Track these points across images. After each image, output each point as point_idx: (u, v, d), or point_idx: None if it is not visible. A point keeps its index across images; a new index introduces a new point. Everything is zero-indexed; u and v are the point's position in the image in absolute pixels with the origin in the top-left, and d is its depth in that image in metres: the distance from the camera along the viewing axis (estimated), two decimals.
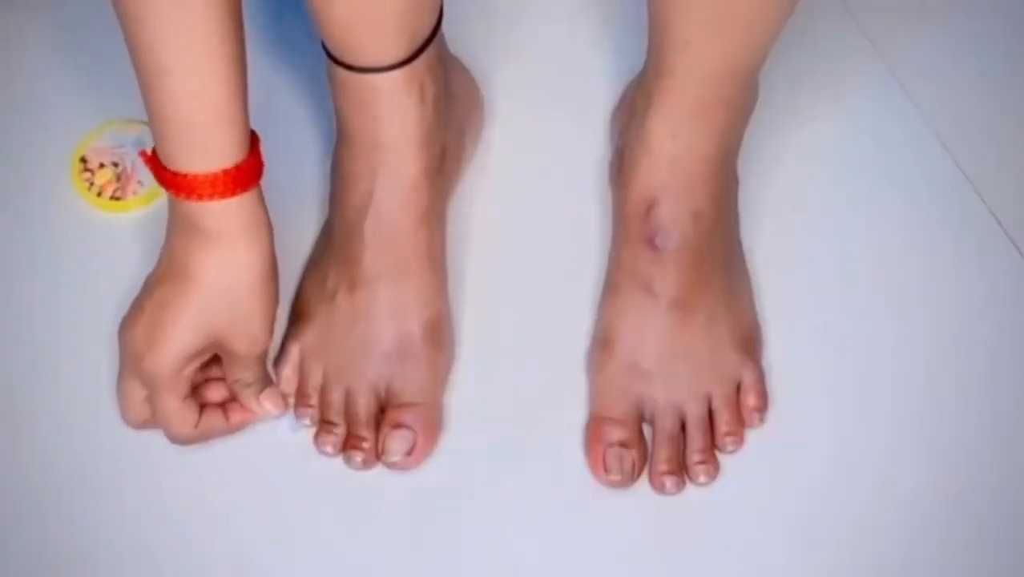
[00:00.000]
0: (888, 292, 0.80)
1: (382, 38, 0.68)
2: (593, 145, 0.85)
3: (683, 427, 0.74)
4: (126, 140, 0.84)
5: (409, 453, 0.73)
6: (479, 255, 0.81)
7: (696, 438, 0.73)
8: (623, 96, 0.85)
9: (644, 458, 0.74)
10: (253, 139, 0.66)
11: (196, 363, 0.67)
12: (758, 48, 0.69)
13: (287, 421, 0.74)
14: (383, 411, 0.74)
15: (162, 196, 0.82)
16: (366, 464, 0.73)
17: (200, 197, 0.63)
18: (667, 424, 0.73)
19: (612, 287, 0.76)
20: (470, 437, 0.75)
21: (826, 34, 0.91)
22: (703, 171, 0.73)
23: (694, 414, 0.74)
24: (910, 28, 0.92)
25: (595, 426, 0.74)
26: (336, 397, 0.74)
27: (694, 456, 0.73)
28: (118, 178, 0.83)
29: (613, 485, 0.73)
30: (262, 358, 0.70)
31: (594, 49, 0.90)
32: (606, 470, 0.73)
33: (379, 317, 0.74)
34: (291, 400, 0.74)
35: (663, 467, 0.73)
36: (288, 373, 0.75)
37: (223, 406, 0.72)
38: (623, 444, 0.73)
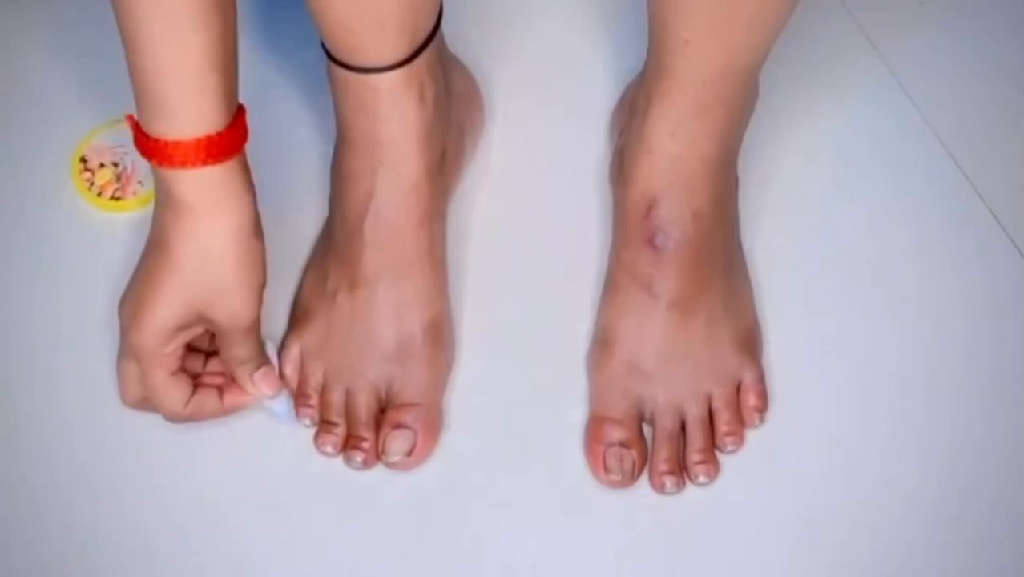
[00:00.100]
0: (888, 292, 0.80)
1: (382, 38, 0.68)
2: (593, 145, 0.85)
3: (683, 427, 0.74)
4: (126, 140, 0.84)
5: (409, 453, 0.73)
6: (479, 255, 0.81)
7: (696, 438, 0.73)
8: (623, 96, 0.85)
9: (644, 458, 0.74)
10: (239, 111, 0.65)
11: (182, 337, 0.67)
12: (758, 48, 0.69)
13: (281, 407, 0.73)
14: (383, 411, 0.74)
15: None
16: (366, 464, 0.73)
17: (173, 164, 0.63)
18: (667, 424, 0.74)
19: (612, 287, 0.76)
20: (470, 437, 0.75)
21: (826, 34, 0.91)
22: (703, 171, 0.73)
23: (694, 414, 0.74)
24: (910, 28, 0.92)
25: (595, 426, 0.74)
26: (336, 397, 0.74)
27: (694, 456, 0.73)
28: (118, 178, 0.83)
29: (613, 485, 0.73)
30: (253, 335, 0.69)
31: (594, 49, 0.90)
32: (606, 470, 0.73)
33: (379, 317, 0.74)
34: (289, 387, 0.74)
35: (663, 467, 0.73)
36: (288, 373, 0.75)
37: (220, 390, 0.71)
38: (623, 444, 0.73)
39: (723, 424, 0.74)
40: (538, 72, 0.89)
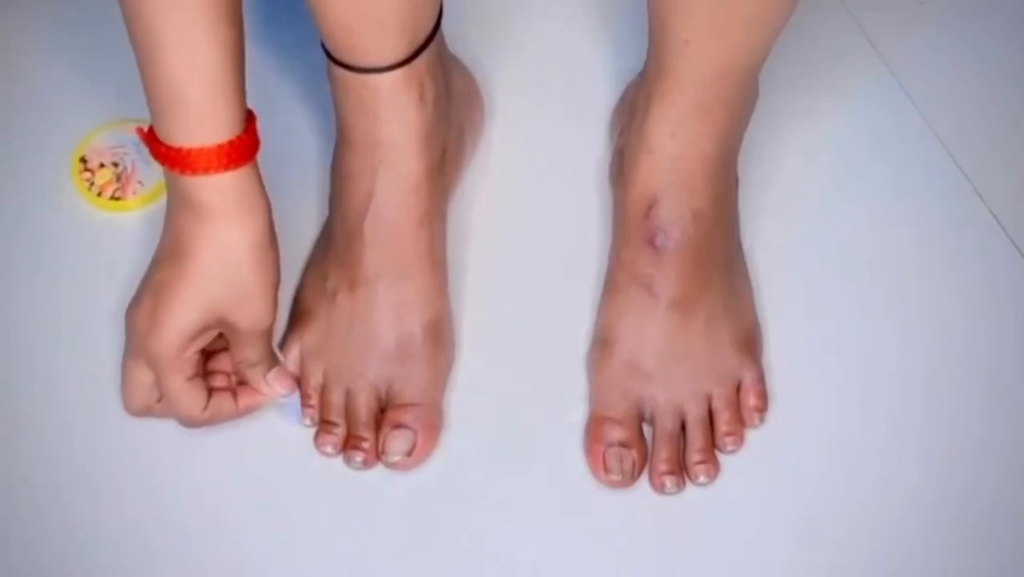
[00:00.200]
0: (888, 292, 0.80)
1: (382, 38, 0.68)
2: (593, 145, 0.85)
3: (683, 427, 0.74)
4: (126, 140, 0.84)
5: (409, 453, 0.73)
6: (479, 255, 0.81)
7: (696, 438, 0.73)
8: (623, 96, 0.85)
9: (644, 458, 0.74)
10: (250, 116, 0.66)
11: (200, 342, 0.67)
12: (758, 48, 0.69)
13: (294, 406, 0.74)
14: (383, 411, 0.74)
15: (162, 196, 0.82)
16: (366, 464, 0.73)
17: (195, 171, 0.63)
18: (667, 424, 0.74)
19: (612, 287, 0.76)
20: (470, 437, 0.75)
21: (826, 34, 0.91)
22: (703, 171, 0.73)
23: (694, 414, 0.74)
24: (910, 28, 0.92)
25: (595, 426, 0.74)
26: (336, 397, 0.74)
27: (694, 456, 0.73)
28: (118, 178, 0.83)
29: (613, 485, 0.73)
30: (266, 337, 0.69)
31: (594, 49, 0.90)
32: (606, 470, 0.73)
33: (379, 317, 0.74)
34: (297, 384, 0.74)
35: (663, 467, 0.73)
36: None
37: (232, 392, 0.71)
38: (623, 444, 0.73)
39: (723, 424, 0.74)
40: (538, 72, 0.89)
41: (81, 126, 0.85)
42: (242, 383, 0.71)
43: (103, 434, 0.74)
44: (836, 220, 0.83)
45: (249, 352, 0.69)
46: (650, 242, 0.74)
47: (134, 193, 0.83)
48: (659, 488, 0.73)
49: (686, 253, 0.73)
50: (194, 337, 0.66)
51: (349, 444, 0.73)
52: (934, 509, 0.73)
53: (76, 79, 0.88)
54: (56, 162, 0.84)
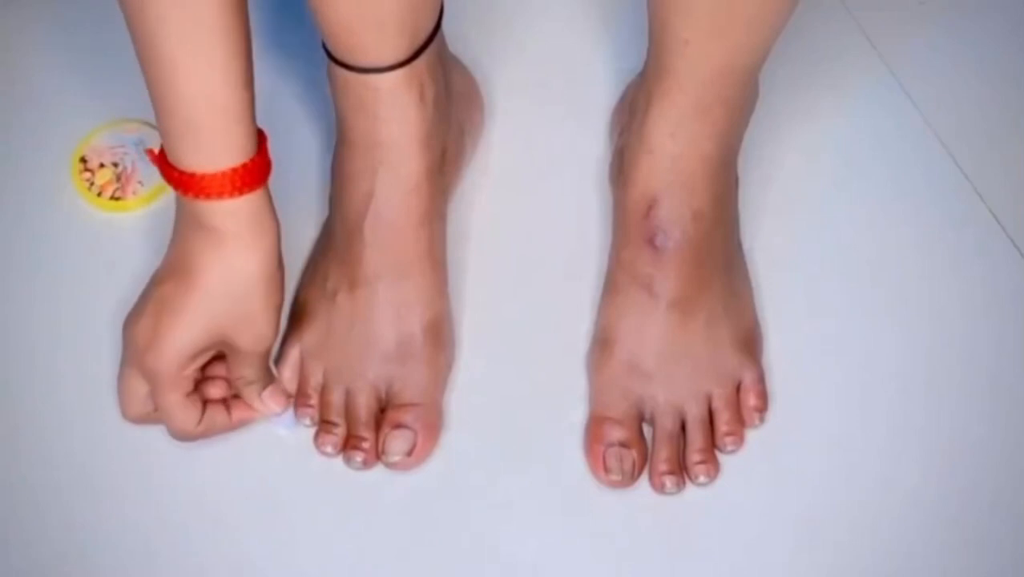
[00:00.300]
0: (888, 292, 0.80)
1: (382, 38, 0.68)
2: (593, 145, 0.85)
3: (683, 427, 0.74)
4: (126, 140, 0.84)
5: (409, 453, 0.73)
6: (479, 255, 0.81)
7: (696, 438, 0.73)
8: (623, 96, 0.85)
9: (644, 458, 0.74)
10: (260, 137, 0.66)
11: (199, 361, 0.67)
12: (758, 48, 0.69)
13: (287, 420, 0.74)
14: (383, 411, 0.74)
15: (162, 196, 0.82)
16: (366, 464, 0.73)
17: (208, 196, 0.63)
18: (667, 424, 0.74)
19: (612, 287, 0.76)
20: (470, 437, 0.75)
21: (826, 34, 0.91)
22: (703, 171, 0.73)
23: (694, 414, 0.74)
24: (910, 28, 0.92)
25: (595, 426, 0.74)
26: (336, 397, 0.74)
27: (694, 456, 0.73)
28: (118, 178, 0.83)
29: (613, 485, 0.73)
30: (265, 356, 0.70)
31: (594, 49, 0.90)
32: (606, 470, 0.73)
33: (379, 317, 0.74)
34: (292, 399, 0.74)
35: (663, 467, 0.73)
36: (288, 373, 0.75)
37: (225, 402, 0.72)
38: (623, 444, 0.73)
39: (723, 424, 0.74)
40: (538, 72, 0.89)
41: (81, 126, 0.85)
42: (236, 396, 0.71)
43: (103, 434, 0.74)
44: (836, 220, 0.83)
45: (247, 371, 0.69)
46: (650, 242, 0.74)
47: (134, 193, 0.83)
48: (659, 488, 0.73)
49: (686, 253, 0.73)
50: (194, 356, 0.67)
51: (349, 444, 0.74)
52: (934, 509, 0.73)
53: (76, 79, 0.88)
54: (56, 162, 0.84)
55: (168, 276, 0.67)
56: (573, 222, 0.82)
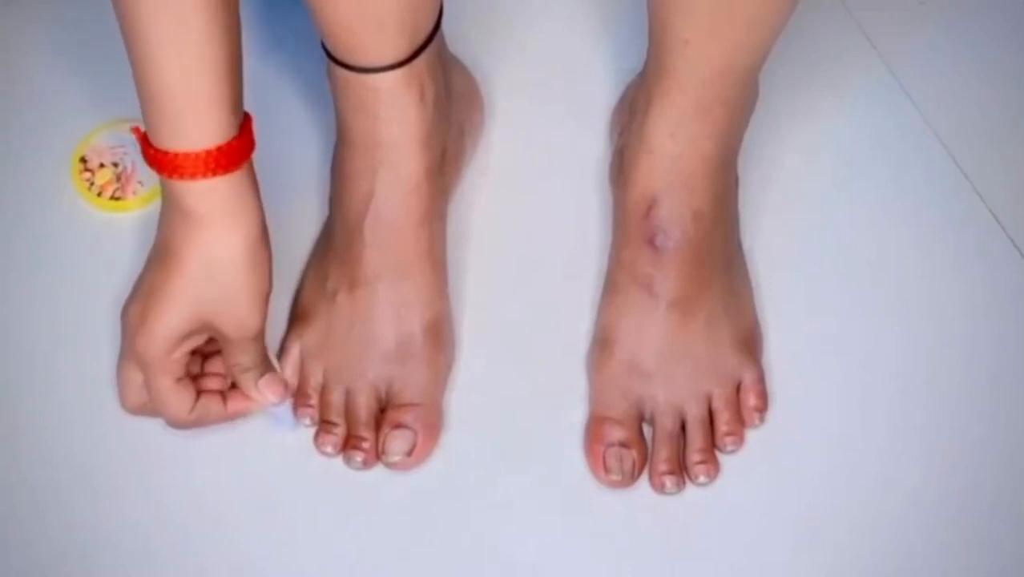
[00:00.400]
0: (888, 292, 0.80)
1: (382, 38, 0.68)
2: (593, 145, 0.85)
3: (683, 427, 0.74)
4: (126, 140, 0.84)
5: (409, 453, 0.73)
6: (479, 255, 0.81)
7: (696, 438, 0.73)
8: (623, 96, 0.85)
9: (644, 458, 0.74)
10: (245, 120, 0.65)
11: (188, 345, 0.67)
12: (758, 48, 0.69)
13: (287, 420, 0.74)
14: (383, 411, 0.74)
15: None
16: (366, 464, 0.73)
17: (183, 176, 0.63)
18: (667, 424, 0.74)
19: (612, 287, 0.76)
20: (470, 437, 0.75)
21: (826, 34, 0.91)
22: (703, 171, 0.73)
23: (694, 414, 0.74)
24: (910, 28, 0.92)
25: (595, 426, 0.74)
26: (336, 397, 0.74)
27: (694, 456, 0.73)
28: (118, 178, 0.83)
29: (613, 485, 0.73)
30: (258, 342, 0.69)
31: (594, 49, 0.90)
32: (606, 470, 0.73)
33: (379, 317, 0.74)
34: (291, 390, 0.74)
35: (663, 467, 0.73)
36: (288, 373, 0.75)
37: (223, 395, 0.71)
38: (623, 444, 0.73)
39: (723, 424, 0.74)
40: (538, 72, 0.89)
41: (81, 126, 0.85)
42: (234, 387, 0.71)
43: (103, 434, 0.74)
44: (836, 220, 0.83)
45: (240, 357, 0.69)
46: (650, 242, 0.74)
47: (134, 193, 0.83)
48: (659, 488, 0.73)
49: (686, 253, 0.73)
50: (181, 340, 0.66)
51: (349, 444, 0.74)
52: (934, 509, 0.73)
53: (76, 79, 0.88)
54: (56, 162, 0.84)
55: (154, 261, 0.67)
56: (573, 222, 0.82)
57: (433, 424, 0.74)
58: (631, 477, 0.73)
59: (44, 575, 0.71)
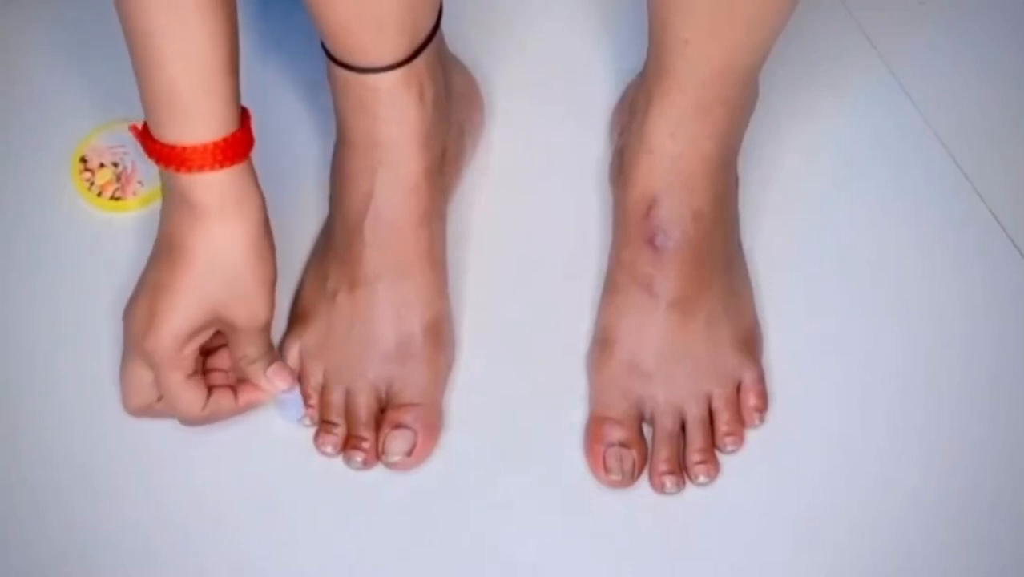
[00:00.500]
0: (888, 292, 0.80)
1: (382, 38, 0.68)
2: (593, 145, 0.85)
3: (683, 427, 0.74)
4: (126, 140, 0.84)
5: (409, 453, 0.73)
6: (479, 255, 0.81)
7: (696, 438, 0.73)
8: (623, 95, 0.85)
9: (644, 458, 0.74)
10: (244, 113, 0.66)
11: (198, 340, 0.67)
12: (758, 48, 0.69)
13: (295, 407, 0.74)
14: (383, 411, 0.74)
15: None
16: (366, 464, 0.73)
17: (190, 169, 0.63)
18: (667, 424, 0.74)
19: (612, 287, 0.76)
20: (470, 437, 0.75)
21: (826, 34, 0.91)
22: (703, 171, 0.73)
23: (694, 414, 0.74)
24: (910, 28, 0.92)
25: (595, 426, 0.74)
26: (336, 397, 0.74)
27: (694, 456, 0.73)
28: (118, 178, 0.83)
29: (613, 485, 0.73)
30: (265, 332, 0.69)
31: (594, 49, 0.90)
32: (606, 470, 0.73)
33: (379, 317, 0.74)
34: (296, 379, 0.74)
35: (663, 467, 0.73)
36: None
37: (232, 389, 0.71)
38: (623, 444, 0.73)
39: (723, 424, 0.74)
40: (538, 72, 0.89)
41: (81, 126, 0.85)
42: (242, 380, 0.71)
43: (103, 434, 0.74)
44: (836, 220, 0.83)
45: (248, 349, 0.69)
46: (650, 242, 0.74)
47: (134, 193, 0.83)
48: (659, 488, 0.73)
49: (686, 253, 0.73)
50: (192, 335, 0.66)
51: (349, 444, 0.74)
52: (934, 509, 0.73)
53: (76, 79, 0.88)
54: (56, 162, 0.84)
55: (158, 257, 0.67)
56: (573, 222, 0.82)
57: (433, 424, 0.74)
58: (631, 477, 0.73)
59: (44, 575, 0.71)
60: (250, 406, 0.72)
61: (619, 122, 0.83)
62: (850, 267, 0.81)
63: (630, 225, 0.75)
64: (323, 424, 0.74)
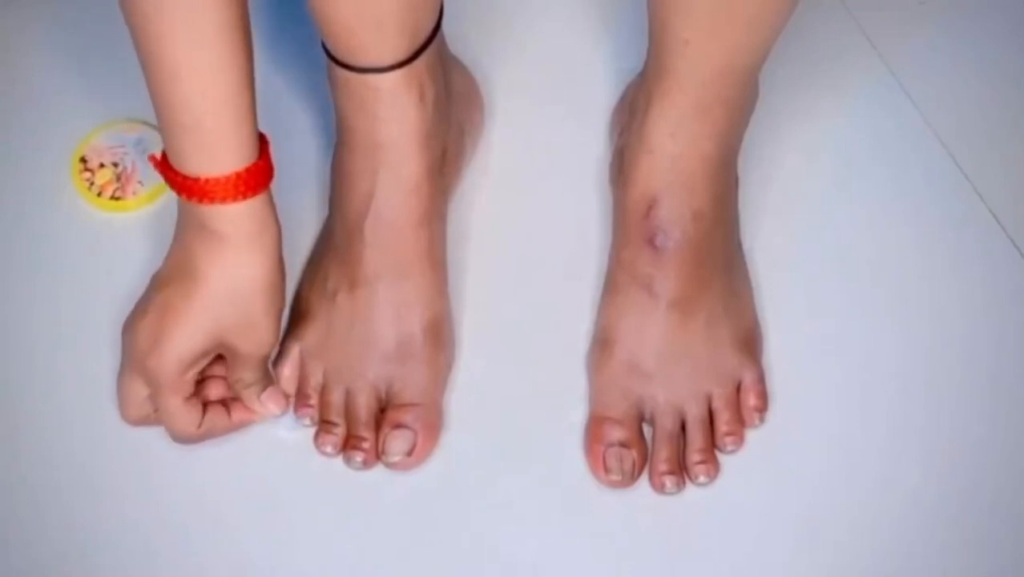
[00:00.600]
0: (888, 292, 0.80)
1: (382, 38, 0.68)
2: (593, 145, 0.85)
3: (683, 427, 0.74)
4: (126, 140, 0.84)
5: (409, 453, 0.73)
6: (479, 255, 0.81)
7: (696, 438, 0.73)
8: (623, 96, 0.85)
9: (644, 458, 0.74)
10: (263, 142, 0.66)
11: (200, 365, 0.67)
12: (758, 48, 0.69)
13: (287, 421, 0.74)
14: (383, 411, 0.74)
15: (161, 196, 0.82)
16: (366, 464, 0.73)
17: (212, 201, 0.63)
18: (667, 424, 0.74)
19: (612, 287, 0.76)
20: (470, 437, 0.75)
21: (826, 34, 0.91)
22: (703, 171, 0.73)
23: (694, 414, 0.74)
24: (910, 28, 0.92)
25: (595, 426, 0.74)
26: (336, 397, 0.74)
27: (694, 456, 0.73)
28: (118, 178, 0.83)
29: (613, 485, 0.73)
30: (265, 359, 0.70)
31: (594, 49, 0.90)
32: (606, 470, 0.73)
33: (379, 317, 0.74)
34: (291, 400, 0.75)
35: (663, 467, 0.73)
36: (288, 373, 0.75)
37: (224, 403, 0.72)
38: (623, 444, 0.73)
39: (723, 424, 0.74)
40: (538, 72, 0.89)
41: (81, 126, 0.85)
42: (235, 397, 0.72)
43: (103, 434, 0.74)
44: (836, 220, 0.83)
45: (246, 374, 0.69)
46: (650, 242, 0.74)
47: (134, 193, 0.83)
48: (659, 488, 0.73)
49: (686, 253, 0.73)
50: (196, 361, 0.67)
51: (349, 444, 0.73)
52: (934, 509, 0.73)
53: (76, 79, 0.88)
54: (56, 162, 0.84)
55: (170, 279, 0.67)
56: (573, 222, 0.82)
57: (433, 424, 0.74)
58: (631, 477, 0.73)
59: (44, 575, 0.71)
60: (243, 424, 0.73)
61: (619, 122, 0.83)
62: (850, 267, 0.81)
63: (630, 225, 0.75)
64: (323, 424, 0.74)
